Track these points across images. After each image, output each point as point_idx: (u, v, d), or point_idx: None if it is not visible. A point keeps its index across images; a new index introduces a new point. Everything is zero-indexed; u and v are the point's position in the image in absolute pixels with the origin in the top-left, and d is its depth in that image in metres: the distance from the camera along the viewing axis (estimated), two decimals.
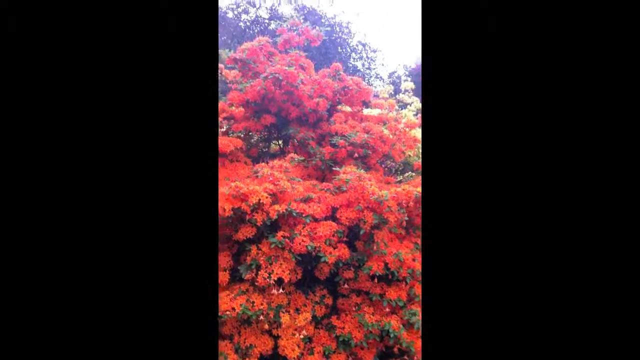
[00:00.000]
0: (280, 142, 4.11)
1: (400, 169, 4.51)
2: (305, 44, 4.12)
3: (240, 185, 2.56)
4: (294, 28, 4.13)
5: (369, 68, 9.08)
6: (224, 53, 3.97)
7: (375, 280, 2.75)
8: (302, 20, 8.09)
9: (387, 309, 2.71)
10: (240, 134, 3.86)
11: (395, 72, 10.25)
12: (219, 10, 9.21)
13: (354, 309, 2.77)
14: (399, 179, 4.32)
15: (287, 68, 3.47)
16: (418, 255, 2.77)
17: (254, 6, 9.13)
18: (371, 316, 2.67)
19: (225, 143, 3.35)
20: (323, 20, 8.55)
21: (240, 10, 9.12)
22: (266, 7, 9.08)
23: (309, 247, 2.52)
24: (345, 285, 2.80)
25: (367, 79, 9.04)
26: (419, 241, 2.92)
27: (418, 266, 2.70)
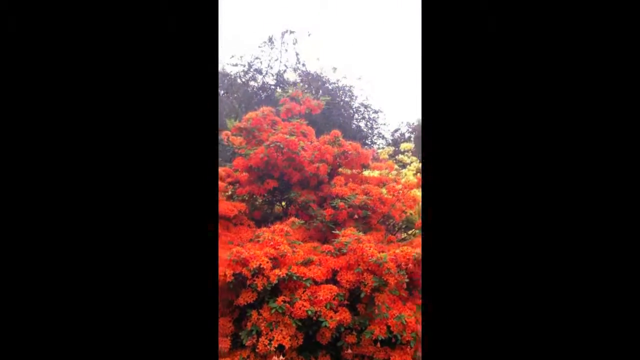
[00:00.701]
0: (283, 203, 4.24)
1: (404, 226, 4.58)
2: (307, 112, 4.39)
3: (241, 250, 2.64)
4: (296, 98, 4.42)
5: (371, 128, 9.44)
6: (229, 122, 4.23)
7: (379, 344, 2.72)
8: (306, 86, 8.58)
9: None
10: (244, 197, 4.01)
11: (399, 129, 10.61)
12: (229, 76, 9.85)
13: None
14: (403, 237, 4.37)
15: (288, 136, 3.68)
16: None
17: (261, 74, 9.75)
18: None
19: (230, 207, 3.49)
20: (327, 85, 9.06)
21: (248, 77, 9.73)
22: (272, 74, 9.69)
23: (310, 312, 2.54)
24: (349, 350, 2.76)
25: (369, 138, 9.37)
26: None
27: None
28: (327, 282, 2.79)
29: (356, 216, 3.50)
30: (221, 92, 9.58)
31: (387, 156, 5.15)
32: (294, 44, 9.32)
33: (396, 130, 10.53)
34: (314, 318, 2.59)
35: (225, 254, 2.67)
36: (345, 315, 2.65)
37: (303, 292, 2.64)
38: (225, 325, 2.65)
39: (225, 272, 2.55)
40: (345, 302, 2.75)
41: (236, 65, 9.56)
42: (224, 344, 2.54)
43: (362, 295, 2.71)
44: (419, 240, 3.37)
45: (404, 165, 5.02)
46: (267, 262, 2.63)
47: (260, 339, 2.49)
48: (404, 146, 5.18)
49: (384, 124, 10.03)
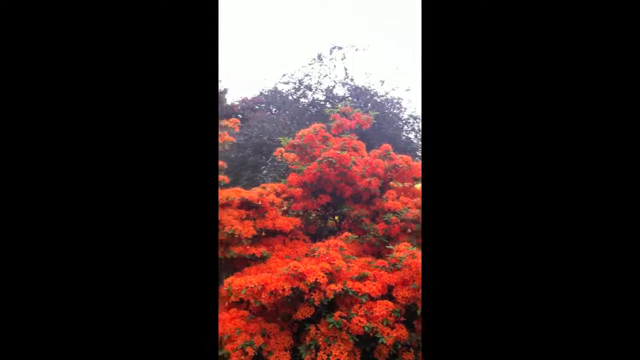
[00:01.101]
0: (336, 218, 4.29)
1: None
2: (357, 126, 4.45)
3: (298, 265, 2.72)
4: (347, 113, 4.50)
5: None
6: (283, 140, 4.39)
7: None
8: (354, 100, 8.65)
9: None
10: (299, 212, 4.12)
11: None
12: (280, 93, 10.19)
13: None
14: None
15: (339, 152, 3.76)
16: None
17: (311, 90, 9.98)
18: None
19: (286, 222, 3.60)
20: (375, 98, 9.08)
21: (299, 94, 10.01)
22: (321, 90, 9.89)
23: (366, 328, 2.55)
24: None
25: (420, 149, 9.22)
26: None
27: None
28: (382, 297, 2.79)
29: (409, 230, 3.47)
30: (273, 109, 9.93)
31: None
32: (342, 59, 9.47)
33: None
34: (371, 334, 2.59)
35: (282, 268, 2.77)
36: (402, 332, 2.63)
37: (359, 308, 2.66)
38: (284, 339, 2.73)
39: (283, 286, 2.64)
40: (402, 318, 2.73)
41: (287, 83, 9.87)
42: (283, 358, 2.62)
43: (419, 311, 2.67)
44: None
45: None
46: (323, 277, 2.68)
47: (318, 354, 2.54)
48: None
49: None
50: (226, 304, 2.93)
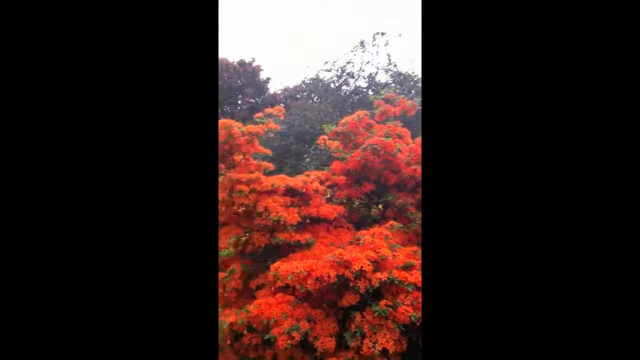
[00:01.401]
0: (380, 206, 4.24)
1: None
2: (401, 113, 4.33)
3: (343, 253, 2.72)
4: (391, 100, 4.40)
5: None
6: (326, 127, 4.37)
7: None
8: (398, 87, 8.45)
9: None
10: (342, 200, 4.10)
11: None
12: (322, 81, 10.15)
13: None
14: None
15: (384, 139, 3.68)
16: None
17: (353, 77, 9.86)
18: None
19: (330, 210, 3.60)
20: (419, 84, 8.82)
21: (341, 81, 9.93)
22: (364, 77, 9.75)
23: (412, 318, 2.51)
24: None
25: None
26: None
27: None
28: None
29: None
30: (315, 97, 9.92)
31: None
32: (385, 45, 9.26)
33: None
34: (417, 323, 2.55)
35: (328, 255, 2.78)
36: None
37: (405, 297, 2.62)
38: (330, 325, 2.75)
39: (329, 273, 2.65)
40: None
41: (329, 70, 9.82)
42: (329, 344, 2.64)
43: None
44: None
45: None
46: (369, 265, 2.66)
47: (364, 341, 2.54)
48: None
49: None
50: (272, 288, 2.99)
